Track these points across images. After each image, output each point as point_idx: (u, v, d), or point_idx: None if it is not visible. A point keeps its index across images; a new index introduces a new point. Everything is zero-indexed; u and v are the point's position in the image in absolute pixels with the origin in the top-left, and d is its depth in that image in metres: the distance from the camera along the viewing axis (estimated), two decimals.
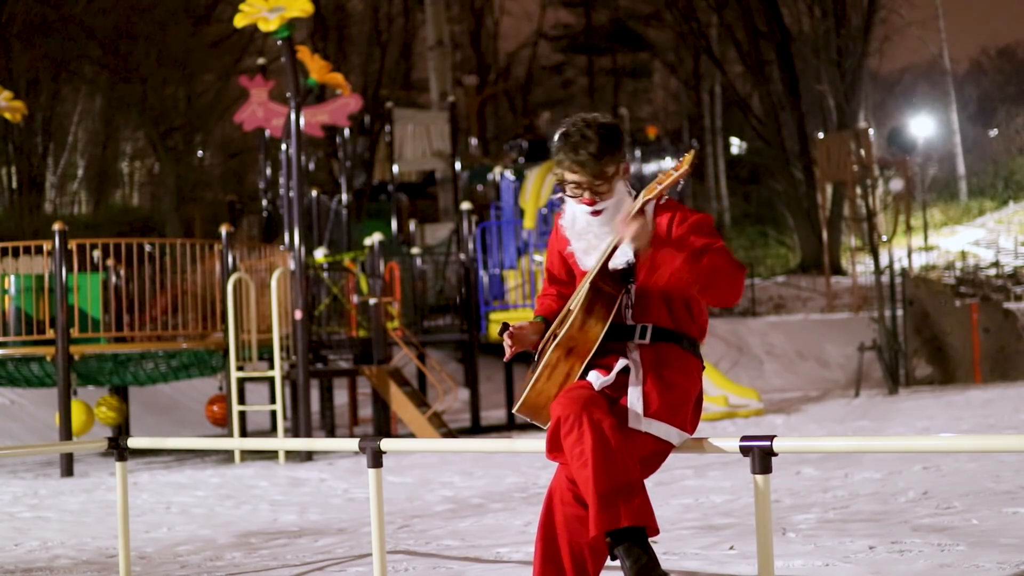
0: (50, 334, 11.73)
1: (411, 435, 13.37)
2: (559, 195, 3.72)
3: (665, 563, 5.12)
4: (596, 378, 3.52)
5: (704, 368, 3.70)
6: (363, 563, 5.54)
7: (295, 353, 12.29)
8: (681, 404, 3.52)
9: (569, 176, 3.54)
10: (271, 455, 12.18)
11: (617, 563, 3.40)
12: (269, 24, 11.65)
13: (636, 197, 3.58)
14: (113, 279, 12.84)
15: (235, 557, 6.04)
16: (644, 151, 26.45)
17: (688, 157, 3.39)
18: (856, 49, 33.73)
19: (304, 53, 14.57)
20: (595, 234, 3.59)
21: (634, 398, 3.48)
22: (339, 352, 13.94)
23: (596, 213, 3.56)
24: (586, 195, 3.56)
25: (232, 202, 21.62)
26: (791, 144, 34.50)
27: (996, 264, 34.16)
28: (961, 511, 6.14)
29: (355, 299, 14.16)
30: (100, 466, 12.14)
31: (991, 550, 4.99)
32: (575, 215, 3.63)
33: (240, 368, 12.26)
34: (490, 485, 8.75)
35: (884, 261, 20.18)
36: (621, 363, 3.54)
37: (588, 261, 3.64)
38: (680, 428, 3.51)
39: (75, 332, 11.81)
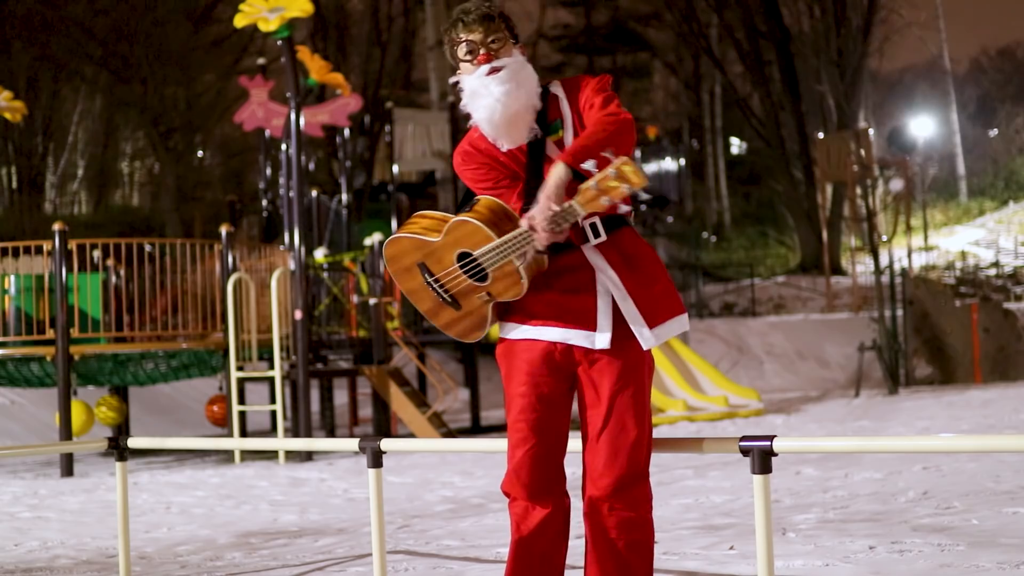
0: (50, 334, 11.73)
1: (411, 435, 13.38)
2: (453, 79, 3.37)
3: (665, 563, 5.12)
4: (585, 337, 3.21)
5: None
6: (363, 563, 5.54)
7: (295, 353, 12.29)
8: (672, 290, 3.29)
9: (462, 35, 3.28)
10: (271, 455, 12.18)
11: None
12: (269, 24, 11.65)
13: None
14: (113, 279, 12.84)
15: (235, 557, 6.03)
16: (644, 151, 26.49)
17: (629, 170, 3.03)
18: (856, 49, 33.75)
19: (304, 53, 14.58)
20: (495, 96, 3.23)
21: (632, 318, 3.20)
22: (339, 352, 13.93)
23: (494, 71, 3.24)
24: (481, 52, 3.26)
25: (232, 202, 21.62)
26: (791, 144, 34.52)
27: (996, 264, 34.18)
28: (961, 511, 6.14)
29: (355, 299, 14.16)
30: (100, 466, 12.13)
31: (991, 550, 4.99)
32: (471, 85, 3.27)
33: (240, 368, 12.26)
34: (490, 485, 8.75)
35: (884, 261, 20.18)
36: (602, 302, 3.22)
37: (507, 140, 3.27)
38: (682, 312, 3.31)
39: (75, 332, 11.81)
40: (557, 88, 3.35)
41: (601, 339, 3.20)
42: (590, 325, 3.21)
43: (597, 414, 3.20)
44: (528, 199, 3.26)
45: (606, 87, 3.33)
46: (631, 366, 3.21)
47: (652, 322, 3.20)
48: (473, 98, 3.27)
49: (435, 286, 3.30)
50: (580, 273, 3.22)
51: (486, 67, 3.25)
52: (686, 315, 3.31)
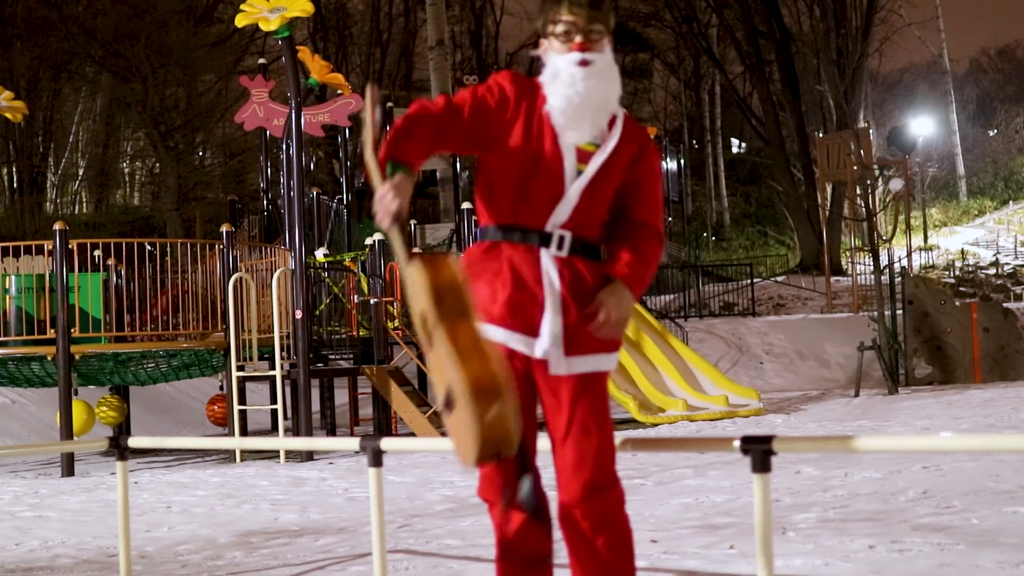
0: (51, 334, 11.74)
1: (411, 434, 13.39)
2: (536, 52, 3.24)
3: (665, 562, 5.13)
4: (526, 344, 3.11)
5: None
6: (363, 562, 5.54)
7: (296, 353, 12.29)
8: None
9: (564, 16, 3.14)
10: (272, 454, 12.19)
11: None
12: (270, 24, 11.66)
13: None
14: (114, 279, 12.85)
15: (236, 556, 6.04)
16: None
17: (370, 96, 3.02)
18: (856, 49, 33.78)
19: (305, 53, 14.57)
20: (577, 89, 3.11)
21: (554, 332, 3.11)
22: (340, 352, 13.94)
23: (585, 64, 3.12)
24: (578, 39, 3.13)
25: (233, 202, 21.63)
26: (791, 144, 34.53)
27: (996, 264, 34.21)
28: (961, 511, 6.14)
29: (356, 299, 14.17)
30: (101, 465, 12.14)
31: (991, 550, 5.00)
32: (557, 67, 3.15)
33: (241, 368, 12.27)
34: None
35: (884, 261, 20.18)
36: (549, 307, 3.13)
37: (573, 134, 3.15)
38: (608, 351, 3.21)
39: (76, 332, 11.82)
40: (620, 114, 3.26)
41: (540, 348, 3.12)
42: (532, 332, 3.12)
43: (560, 420, 3.15)
44: (525, 187, 3.15)
45: (661, 179, 3.37)
46: (587, 372, 3.16)
47: (572, 349, 3.12)
48: (554, 80, 3.15)
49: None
50: (532, 277, 3.14)
51: (578, 56, 3.13)
52: (615, 355, 3.22)
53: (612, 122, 3.24)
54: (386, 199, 2.89)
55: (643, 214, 3.28)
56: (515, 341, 3.12)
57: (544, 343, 3.11)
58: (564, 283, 3.13)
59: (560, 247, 3.15)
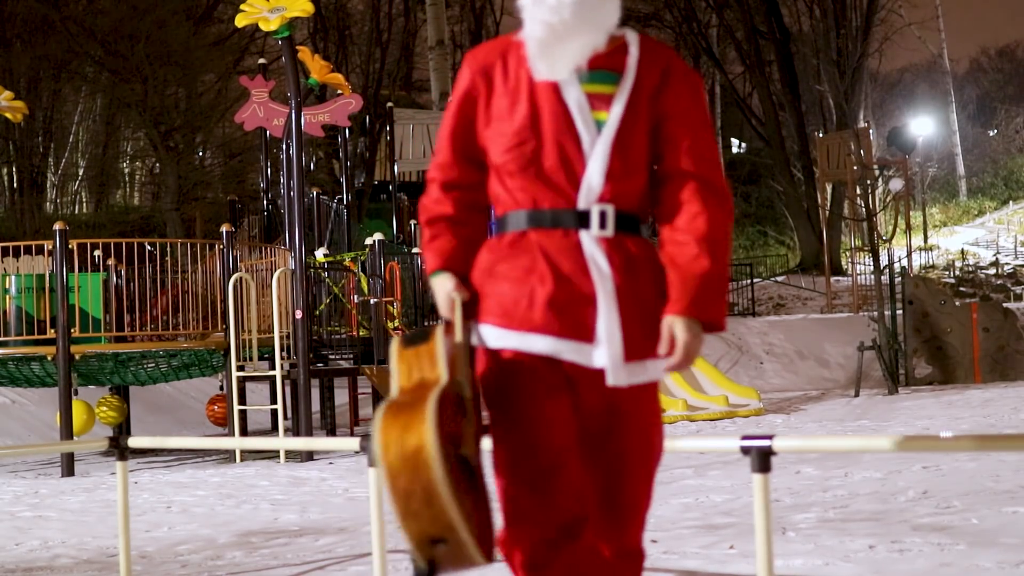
0: (51, 334, 11.74)
1: None
2: None
3: (665, 562, 5.13)
4: (578, 352, 2.46)
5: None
6: (363, 562, 5.54)
7: (296, 353, 12.29)
8: (658, 323, 2.55)
9: None
10: (272, 454, 12.19)
11: None
12: (270, 24, 11.66)
13: None
14: (114, 279, 12.85)
15: (236, 556, 6.04)
16: None
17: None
18: (856, 49, 33.79)
19: (305, 53, 14.58)
20: (561, 15, 2.44)
21: (613, 334, 2.47)
22: (340, 352, 13.94)
23: None
24: None
25: (233, 202, 21.63)
26: (791, 144, 34.53)
27: (996, 264, 34.22)
28: (961, 510, 6.14)
29: (356, 299, 14.17)
30: (101, 465, 12.14)
31: (991, 550, 5.00)
32: None
33: (241, 368, 12.27)
34: (490, 484, 8.74)
35: (884, 261, 20.18)
36: (603, 302, 2.48)
37: (544, 67, 2.49)
38: (666, 356, 2.54)
39: (76, 332, 11.82)
40: (632, 39, 2.59)
41: (600, 356, 2.49)
42: (586, 336, 2.49)
43: (599, 437, 2.58)
44: (530, 154, 2.52)
45: (707, 109, 2.64)
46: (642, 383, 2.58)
47: (631, 354, 2.50)
48: (537, 4, 2.47)
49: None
50: (576, 268, 2.50)
51: None
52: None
53: (624, 49, 2.57)
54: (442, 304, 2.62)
55: (684, 161, 2.55)
56: (568, 351, 2.49)
57: (602, 351, 2.48)
58: (616, 269, 2.50)
59: (603, 225, 2.50)
